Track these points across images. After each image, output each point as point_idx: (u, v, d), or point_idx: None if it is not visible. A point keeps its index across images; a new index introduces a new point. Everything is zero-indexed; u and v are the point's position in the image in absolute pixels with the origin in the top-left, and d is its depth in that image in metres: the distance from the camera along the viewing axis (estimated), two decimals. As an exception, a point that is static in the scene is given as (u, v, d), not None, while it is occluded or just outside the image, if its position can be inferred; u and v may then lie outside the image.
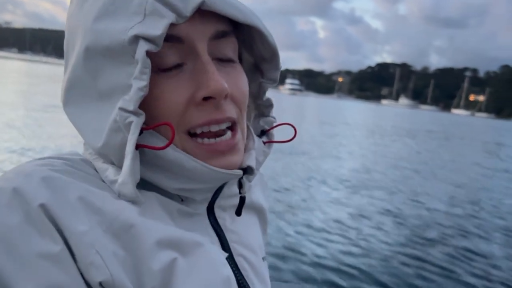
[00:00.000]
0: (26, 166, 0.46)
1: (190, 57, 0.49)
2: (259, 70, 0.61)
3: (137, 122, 0.45)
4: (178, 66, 0.49)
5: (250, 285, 0.57)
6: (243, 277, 0.56)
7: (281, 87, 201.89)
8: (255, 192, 0.69)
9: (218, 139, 0.50)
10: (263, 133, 0.63)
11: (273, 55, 0.58)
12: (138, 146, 0.46)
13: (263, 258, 0.66)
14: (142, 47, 0.43)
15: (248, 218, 0.65)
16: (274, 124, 0.64)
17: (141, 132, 0.46)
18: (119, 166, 0.49)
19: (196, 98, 0.48)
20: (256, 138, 0.59)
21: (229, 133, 0.51)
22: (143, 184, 0.49)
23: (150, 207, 0.49)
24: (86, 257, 0.41)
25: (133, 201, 0.47)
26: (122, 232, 0.44)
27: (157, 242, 0.46)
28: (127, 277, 0.43)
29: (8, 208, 0.41)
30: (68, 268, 0.40)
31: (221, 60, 0.52)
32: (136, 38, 0.43)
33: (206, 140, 0.50)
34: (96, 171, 0.51)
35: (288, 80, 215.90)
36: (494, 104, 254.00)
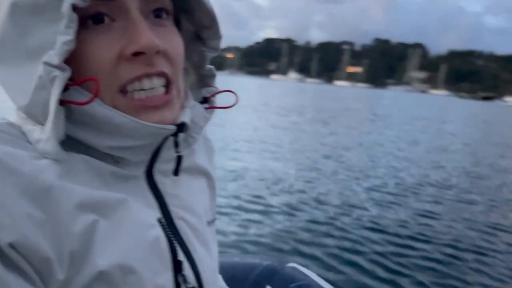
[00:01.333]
0: None
1: (121, 14, 0.48)
2: (200, 39, 0.61)
3: (61, 77, 0.43)
4: (108, 21, 0.47)
5: (189, 247, 0.57)
6: (181, 238, 0.56)
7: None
8: (200, 157, 0.68)
9: (149, 92, 0.49)
10: (205, 101, 0.62)
11: (213, 22, 0.58)
12: (62, 102, 0.44)
13: (209, 222, 0.65)
14: (68, 1, 0.42)
15: (193, 182, 0.65)
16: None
17: (67, 89, 0.45)
18: (45, 125, 0.47)
19: (125, 53, 0.47)
20: (195, 102, 0.59)
21: (162, 89, 0.51)
22: (74, 146, 0.48)
23: (75, 169, 0.48)
24: None
25: (56, 160, 0.46)
26: (41, 194, 0.43)
27: (77, 205, 0.45)
28: (44, 239, 0.42)
29: None
30: None
31: (155, 15, 0.51)
32: None
33: (136, 94, 0.48)
34: (23, 134, 0.49)
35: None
36: (370, 74, 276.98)
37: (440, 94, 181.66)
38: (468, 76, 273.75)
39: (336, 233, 4.15)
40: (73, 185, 0.46)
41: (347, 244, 3.88)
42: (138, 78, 0.48)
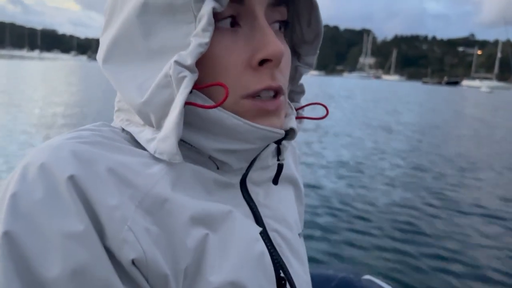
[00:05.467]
0: (54, 140, 0.44)
1: (247, 20, 0.47)
2: (295, 54, 0.60)
3: (190, 78, 0.43)
4: (235, 25, 0.47)
5: (285, 261, 0.55)
6: (277, 253, 0.54)
7: None
8: (289, 164, 0.67)
9: (265, 99, 0.49)
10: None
11: (317, 37, 0.57)
12: (185, 104, 0.43)
13: (299, 234, 0.64)
14: (209, 4, 0.42)
15: (283, 192, 0.63)
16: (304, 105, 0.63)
17: (190, 92, 0.44)
18: (157, 126, 0.47)
19: (253, 60, 0.46)
20: (294, 111, 0.58)
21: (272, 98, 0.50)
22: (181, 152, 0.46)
23: (184, 178, 0.47)
24: (118, 233, 0.39)
25: (169, 161, 0.45)
26: (155, 208, 0.43)
27: (190, 218, 0.44)
28: (161, 254, 0.42)
29: (34, 184, 0.39)
30: (93, 247, 0.38)
31: (276, 26, 0.51)
32: None
33: (252, 99, 0.48)
34: (127, 141, 0.49)
35: None
36: (322, 62, 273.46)
37: (393, 79, 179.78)
38: (415, 61, 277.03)
39: (410, 239, 4.05)
40: (185, 196, 0.45)
41: (422, 251, 3.76)
42: (260, 91, 0.48)
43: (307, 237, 3.83)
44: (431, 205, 5.17)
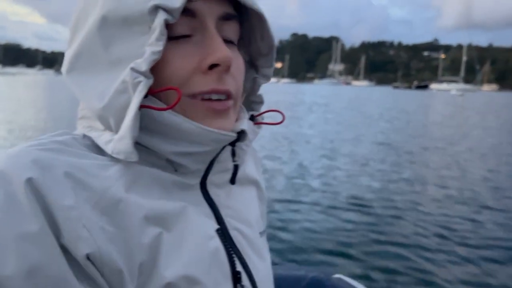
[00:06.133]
0: (14, 148, 0.46)
1: (199, 30, 0.52)
2: (253, 66, 0.65)
3: (146, 83, 0.46)
4: (187, 36, 0.51)
5: (245, 258, 0.58)
6: (237, 249, 0.57)
7: None
8: (249, 166, 0.70)
9: (214, 97, 0.52)
10: (252, 118, 0.64)
11: (270, 50, 0.62)
12: (141, 107, 0.47)
13: (261, 233, 0.67)
14: (161, 16, 0.46)
15: (244, 192, 0.66)
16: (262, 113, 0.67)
17: (145, 96, 0.47)
18: (116, 130, 0.50)
19: (203, 65, 0.50)
20: (247, 115, 0.61)
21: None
22: (138, 155, 0.48)
23: (140, 180, 0.50)
24: (73, 231, 0.42)
25: (125, 160, 0.48)
26: (110, 208, 0.45)
27: (144, 217, 0.47)
28: (116, 251, 0.44)
29: None
30: (48, 247, 0.40)
31: (225, 41, 0.54)
32: (156, 8, 0.46)
33: (201, 99, 0.52)
34: (86, 146, 0.51)
35: None
36: (292, 69, 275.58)
37: (363, 85, 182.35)
38: (383, 66, 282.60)
39: (381, 239, 4.21)
40: (139, 197, 0.48)
41: (390, 250, 3.95)
42: (209, 92, 0.51)
43: (276, 238, 4.08)
44: (397, 207, 5.39)
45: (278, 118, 0.66)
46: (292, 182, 6.47)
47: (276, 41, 0.60)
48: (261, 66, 0.64)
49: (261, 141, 10.04)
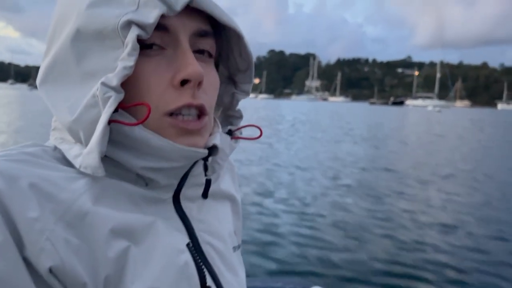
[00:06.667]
0: None
1: (172, 45, 0.52)
2: (232, 81, 0.65)
3: (116, 97, 0.46)
4: (159, 49, 0.51)
5: (217, 272, 0.58)
6: (209, 264, 0.57)
7: None
8: (225, 181, 0.70)
9: (186, 117, 0.52)
10: (230, 133, 0.64)
11: (249, 66, 0.62)
12: (110, 122, 0.47)
13: (235, 248, 0.66)
14: (134, 32, 0.46)
15: (218, 207, 0.66)
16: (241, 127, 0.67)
17: (115, 111, 0.47)
18: (85, 143, 0.49)
19: (175, 80, 0.50)
20: (221, 132, 0.61)
21: (196, 117, 0.53)
22: (106, 168, 0.48)
23: (108, 193, 0.49)
24: (36, 244, 0.41)
25: (93, 174, 0.47)
26: (76, 221, 0.45)
27: (111, 230, 0.46)
28: (80, 264, 0.44)
29: None
30: (10, 259, 0.40)
31: (199, 52, 0.55)
32: (129, 24, 0.46)
33: (174, 117, 0.51)
34: (56, 158, 0.52)
35: None
36: (270, 85, 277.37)
37: (339, 101, 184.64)
38: (358, 82, 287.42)
39: (358, 250, 4.38)
40: (106, 210, 0.48)
41: (369, 262, 4.05)
42: (180, 108, 0.51)
43: (253, 252, 4.15)
44: (378, 218, 5.60)
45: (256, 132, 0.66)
46: (270, 194, 6.73)
47: (254, 57, 0.61)
48: (240, 82, 0.65)
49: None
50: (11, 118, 18.53)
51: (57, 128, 0.57)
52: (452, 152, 13.95)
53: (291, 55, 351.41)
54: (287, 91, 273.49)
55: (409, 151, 13.99)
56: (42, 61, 0.55)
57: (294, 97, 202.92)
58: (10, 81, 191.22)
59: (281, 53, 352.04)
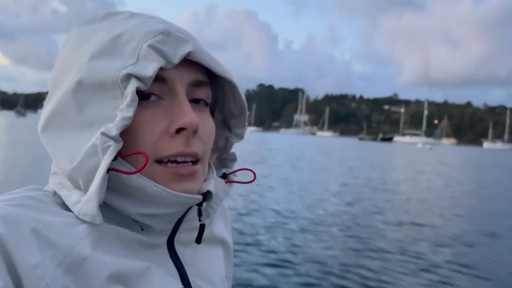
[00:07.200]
0: None
1: (169, 95, 0.53)
2: (227, 126, 0.67)
3: (115, 147, 0.47)
4: (157, 99, 0.53)
5: None
6: None
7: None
8: (218, 226, 0.71)
9: (180, 164, 0.53)
10: (224, 176, 0.66)
11: (242, 112, 0.65)
12: (109, 170, 0.48)
13: None
14: (133, 84, 0.48)
15: (210, 251, 0.67)
16: (235, 170, 0.68)
17: (114, 159, 0.48)
18: (85, 190, 0.50)
19: (170, 129, 0.52)
20: (216, 176, 0.62)
21: (190, 163, 0.55)
22: (103, 213, 0.49)
23: (106, 238, 0.50)
24: None
25: (91, 222, 0.49)
26: (75, 267, 0.46)
27: (108, 277, 0.47)
28: None
29: None
30: None
31: (195, 101, 0.56)
32: (129, 76, 0.48)
33: (169, 164, 0.53)
34: (57, 203, 0.53)
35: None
36: (259, 118, 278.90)
37: (327, 135, 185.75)
38: (345, 118, 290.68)
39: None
40: (104, 256, 0.49)
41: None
42: (175, 156, 0.52)
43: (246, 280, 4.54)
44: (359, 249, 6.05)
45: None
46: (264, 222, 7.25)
47: (244, 91, 0.62)
48: (234, 126, 0.66)
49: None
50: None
51: (56, 173, 0.58)
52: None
53: (280, 89, 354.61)
54: (275, 124, 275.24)
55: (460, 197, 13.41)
56: (44, 107, 0.57)
57: (283, 130, 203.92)
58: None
59: (271, 87, 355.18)
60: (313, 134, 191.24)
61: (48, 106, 0.55)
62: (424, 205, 10.70)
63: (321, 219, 8.13)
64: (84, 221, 0.50)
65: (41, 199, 0.52)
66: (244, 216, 7.88)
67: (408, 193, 12.47)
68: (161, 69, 0.50)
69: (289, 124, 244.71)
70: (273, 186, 11.75)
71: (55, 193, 0.55)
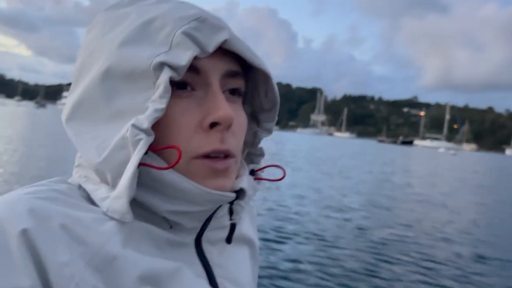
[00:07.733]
0: (10, 194, 0.45)
1: (203, 86, 0.51)
2: (255, 120, 0.64)
3: (146, 140, 0.45)
4: (190, 90, 0.51)
5: None
6: None
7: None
8: (245, 225, 0.69)
9: (214, 159, 0.51)
10: (252, 173, 0.63)
11: (274, 106, 0.61)
12: (140, 165, 0.46)
13: None
14: (166, 73, 0.46)
15: (237, 251, 0.64)
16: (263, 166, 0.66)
17: (145, 153, 0.46)
18: (112, 185, 0.49)
19: (204, 123, 0.50)
20: (247, 172, 0.60)
21: (223, 158, 0.53)
22: (133, 211, 0.47)
23: (136, 236, 0.49)
24: None
25: (121, 219, 0.47)
26: (105, 265, 0.44)
27: (138, 277, 0.46)
28: None
29: None
30: None
31: (229, 92, 0.54)
32: (161, 65, 0.46)
33: (203, 159, 0.51)
34: (83, 197, 0.51)
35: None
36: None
37: (345, 136, 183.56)
38: (363, 119, 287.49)
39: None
40: (134, 254, 0.47)
41: None
42: (209, 153, 0.50)
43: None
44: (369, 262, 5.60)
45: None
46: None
47: None
48: (263, 121, 0.63)
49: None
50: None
51: (81, 165, 0.55)
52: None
53: (298, 88, 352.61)
54: (292, 123, 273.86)
55: None
56: (68, 97, 0.55)
57: (299, 130, 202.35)
58: (17, 98, 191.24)
59: (288, 86, 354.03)
60: (330, 134, 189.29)
61: (74, 95, 0.53)
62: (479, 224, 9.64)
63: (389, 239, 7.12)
64: (112, 217, 0.48)
65: (68, 193, 0.50)
66: (263, 217, 7.51)
67: (458, 209, 11.43)
68: (194, 58, 0.48)
69: (305, 123, 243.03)
70: (303, 195, 10.83)
71: (80, 186, 0.53)
